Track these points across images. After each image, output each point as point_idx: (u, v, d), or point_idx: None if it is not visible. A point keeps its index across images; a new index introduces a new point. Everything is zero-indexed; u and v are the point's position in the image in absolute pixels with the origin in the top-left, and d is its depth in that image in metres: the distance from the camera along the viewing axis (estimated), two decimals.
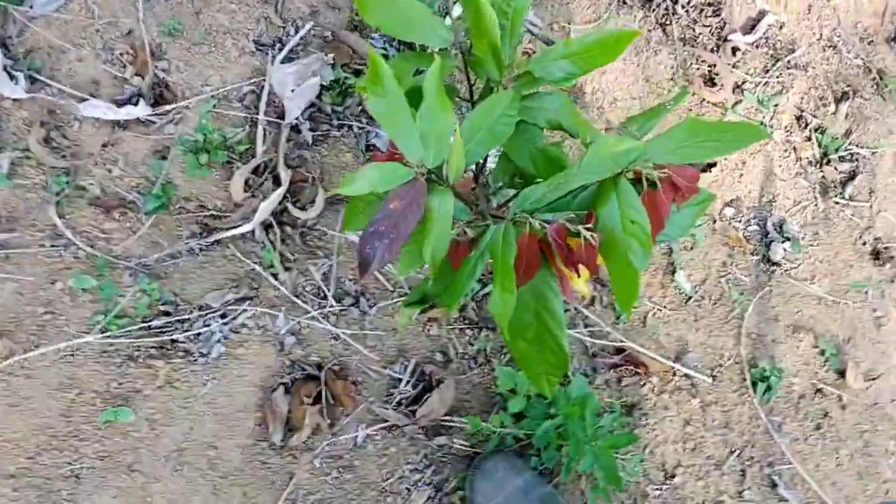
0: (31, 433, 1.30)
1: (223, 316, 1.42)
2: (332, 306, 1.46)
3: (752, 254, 1.70)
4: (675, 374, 1.56)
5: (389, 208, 0.94)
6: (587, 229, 0.91)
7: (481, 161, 1.53)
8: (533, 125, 1.14)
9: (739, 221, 1.73)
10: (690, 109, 1.76)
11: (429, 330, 1.49)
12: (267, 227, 1.48)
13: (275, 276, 1.46)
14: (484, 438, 1.42)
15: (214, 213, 1.47)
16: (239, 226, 1.46)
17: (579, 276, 0.98)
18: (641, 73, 1.74)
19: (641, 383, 1.54)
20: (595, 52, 1.03)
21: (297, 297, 1.45)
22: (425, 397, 1.42)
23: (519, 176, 1.26)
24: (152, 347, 1.37)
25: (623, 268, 0.92)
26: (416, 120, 0.92)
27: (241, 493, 1.34)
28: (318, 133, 1.55)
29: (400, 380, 1.44)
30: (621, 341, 1.56)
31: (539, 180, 1.02)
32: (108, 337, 1.36)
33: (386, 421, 1.41)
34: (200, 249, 1.45)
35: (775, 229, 1.74)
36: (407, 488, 1.38)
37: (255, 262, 1.46)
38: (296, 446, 1.37)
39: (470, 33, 1.03)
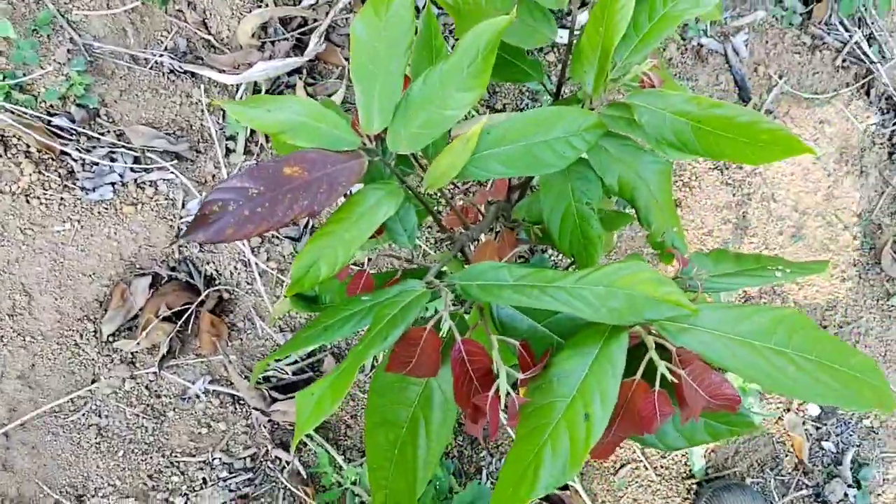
0: None
1: (137, 161, 1.10)
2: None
3: (803, 473, 1.29)
4: None
5: (280, 172, 0.59)
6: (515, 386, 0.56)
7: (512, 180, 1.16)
8: (595, 176, 0.77)
9: (818, 428, 1.31)
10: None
11: None
12: (254, 93, 1.14)
13: (229, 151, 1.13)
14: (328, 487, 1.09)
15: (212, 38, 1.14)
16: (223, 71, 1.12)
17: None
18: (814, 194, 1.32)
19: None
20: (728, 136, 0.66)
21: None
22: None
23: (541, 228, 0.90)
24: (35, 146, 1.07)
25: (518, 467, 0.56)
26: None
27: (28, 363, 1.05)
28: None
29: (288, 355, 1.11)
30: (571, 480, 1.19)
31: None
32: None
33: (236, 390, 1.09)
34: (170, 71, 1.13)
35: (852, 465, 1.31)
36: (204, 479, 1.07)
37: (218, 127, 1.13)
38: (121, 351, 1.07)
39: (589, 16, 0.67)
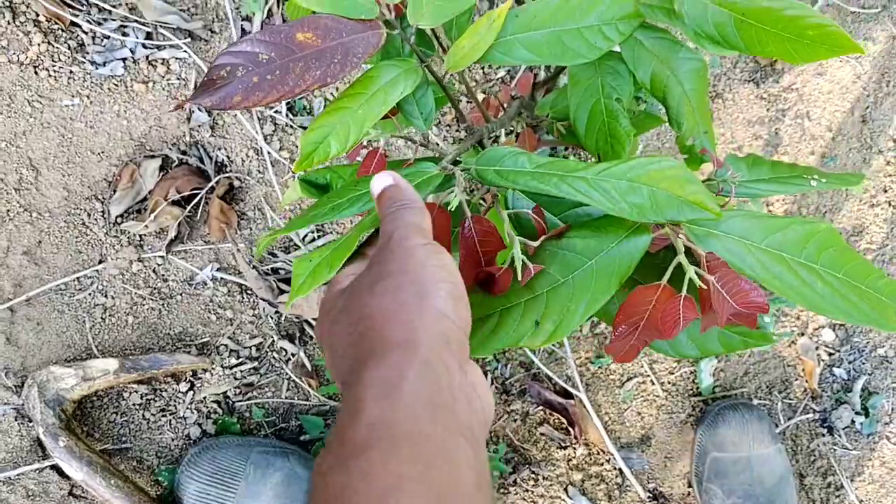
0: None
1: (149, 36, 1.05)
2: (290, 115, 1.08)
3: (811, 398, 1.27)
4: (608, 462, 1.20)
5: (292, 37, 0.55)
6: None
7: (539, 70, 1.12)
8: (627, 71, 0.73)
9: (830, 354, 1.29)
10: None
11: None
12: None
13: (244, 32, 1.08)
14: (330, 380, 1.09)
15: None
16: None
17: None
18: (850, 114, 1.26)
19: (562, 444, 1.19)
20: (773, 30, 0.62)
21: None
22: None
23: (566, 126, 0.85)
24: (42, 14, 1.02)
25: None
26: None
27: (35, 240, 1.03)
28: None
29: (297, 247, 1.09)
30: (574, 387, 1.18)
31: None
32: None
33: (243, 279, 1.07)
34: None
35: (862, 394, 1.30)
36: (216, 364, 1.06)
37: (234, 5, 1.08)
38: (128, 233, 1.05)
39: None
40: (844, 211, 1.30)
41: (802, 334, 1.29)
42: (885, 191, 1.30)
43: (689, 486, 1.25)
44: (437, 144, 1.14)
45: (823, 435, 1.28)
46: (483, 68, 1.15)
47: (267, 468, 0.97)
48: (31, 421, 0.98)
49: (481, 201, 0.62)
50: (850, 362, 1.30)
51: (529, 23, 0.64)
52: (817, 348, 1.30)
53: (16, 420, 0.98)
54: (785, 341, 1.29)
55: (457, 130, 1.13)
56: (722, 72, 1.24)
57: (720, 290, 0.53)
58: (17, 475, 0.97)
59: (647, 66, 0.70)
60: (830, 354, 1.30)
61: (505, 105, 0.91)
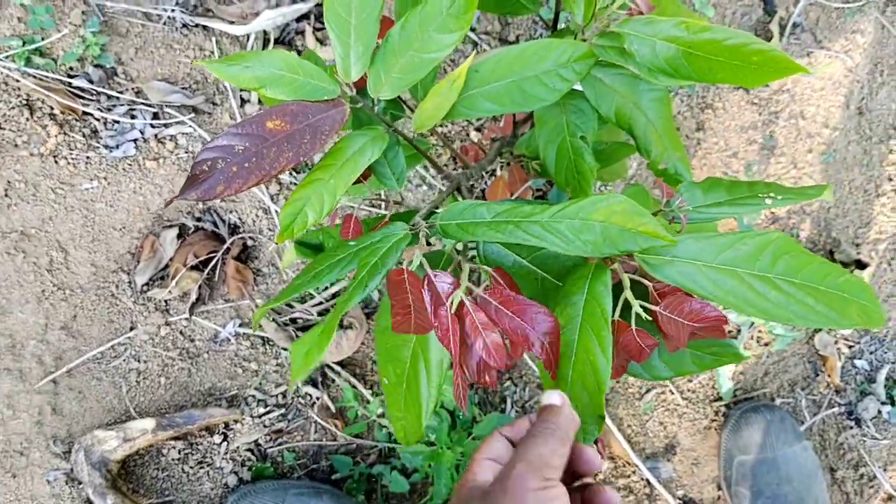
0: None
1: (156, 116, 1.13)
2: (293, 173, 1.15)
3: (835, 392, 1.29)
4: (634, 473, 1.23)
5: (263, 126, 0.61)
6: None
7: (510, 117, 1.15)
8: (590, 107, 0.77)
9: (850, 347, 1.31)
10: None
11: None
12: (265, 42, 1.16)
13: (244, 101, 1.15)
14: (353, 420, 1.14)
15: None
16: (233, 23, 1.14)
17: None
18: (846, 108, 1.28)
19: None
20: (720, 59, 0.65)
21: None
22: None
23: (538, 164, 0.90)
24: (58, 108, 1.11)
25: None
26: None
27: (70, 315, 1.11)
28: None
29: (312, 296, 1.15)
30: None
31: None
32: (14, 69, 1.09)
33: (264, 332, 1.13)
34: (183, 25, 1.15)
35: (886, 383, 1.31)
36: (245, 414, 1.13)
37: None
38: (154, 299, 1.12)
39: None
40: (849, 204, 1.31)
41: (819, 330, 1.30)
42: (891, 179, 1.31)
43: (719, 489, 1.27)
44: (421, 194, 1.19)
45: (851, 427, 1.29)
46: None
47: None
48: (80, 483, 1.05)
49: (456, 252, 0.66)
50: (871, 353, 1.31)
51: (489, 76, 0.68)
52: (836, 342, 1.31)
53: (66, 484, 1.06)
54: (803, 338, 1.30)
55: (443, 178, 1.18)
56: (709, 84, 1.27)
57: (670, 316, 0.57)
58: None
59: (610, 102, 0.74)
60: (850, 347, 1.31)
61: (486, 148, 0.96)
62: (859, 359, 1.31)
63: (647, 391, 1.25)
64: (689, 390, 1.27)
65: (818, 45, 1.29)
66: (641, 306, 0.57)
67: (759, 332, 1.27)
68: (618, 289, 0.60)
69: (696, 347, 0.69)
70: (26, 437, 1.07)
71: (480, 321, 0.57)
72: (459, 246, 0.68)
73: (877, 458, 1.29)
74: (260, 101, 1.14)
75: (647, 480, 1.23)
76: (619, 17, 0.69)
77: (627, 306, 0.57)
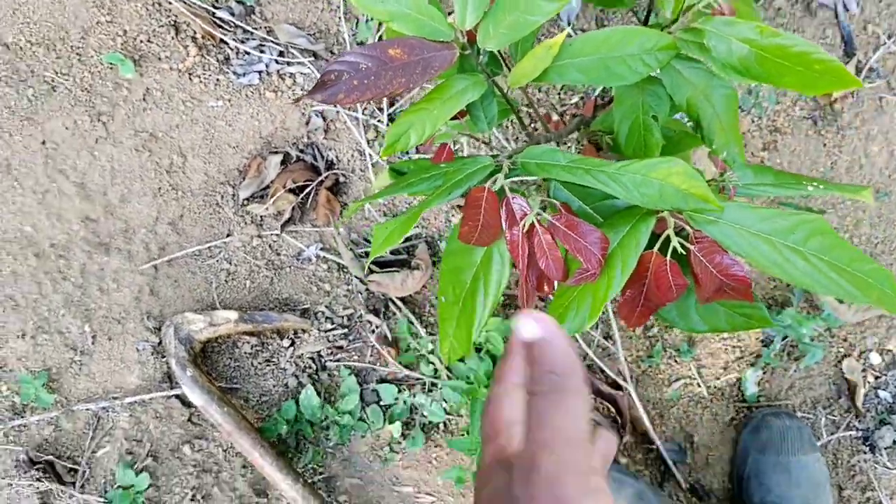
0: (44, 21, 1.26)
1: (281, 54, 1.28)
2: (389, 124, 1.28)
3: (855, 416, 1.36)
4: (651, 452, 1.33)
5: (386, 52, 0.74)
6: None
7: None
8: (665, 94, 0.87)
9: (876, 377, 1.37)
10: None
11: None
12: None
13: None
14: (406, 350, 1.27)
15: None
16: None
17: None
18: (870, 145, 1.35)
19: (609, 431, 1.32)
20: (786, 63, 0.74)
21: None
22: (395, 269, 1.27)
23: (612, 137, 1.00)
24: (199, 32, 1.27)
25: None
26: None
27: (178, 213, 1.27)
28: None
29: None
30: (624, 380, 1.31)
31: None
32: None
33: (341, 259, 1.27)
34: None
35: None
36: (314, 327, 1.26)
37: (351, 33, 1.29)
38: (252, 213, 1.27)
39: None
40: (893, 245, 1.37)
41: (848, 355, 1.37)
42: None
43: (730, 482, 1.35)
44: (506, 143, 1.31)
45: (865, 452, 1.36)
46: (559, 93, 1.31)
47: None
48: (164, 356, 1.21)
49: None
50: (895, 386, 1.37)
51: (580, 50, 0.79)
52: (864, 370, 1.38)
53: (152, 355, 1.22)
54: (832, 360, 1.37)
55: (523, 140, 1.29)
56: (782, 108, 1.36)
57: (702, 259, 0.67)
58: (150, 399, 1.20)
59: (684, 91, 0.84)
60: (877, 377, 1.37)
61: (567, 122, 1.07)
62: (884, 389, 1.37)
63: (677, 380, 1.34)
64: (715, 387, 1.35)
65: (891, 92, 1.36)
66: (679, 244, 0.67)
67: (791, 345, 1.35)
68: (655, 239, 0.71)
69: (729, 307, 0.79)
70: (125, 309, 1.24)
71: (546, 241, 0.68)
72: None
73: (885, 486, 1.35)
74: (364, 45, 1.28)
75: (664, 461, 1.32)
76: (702, 16, 0.79)
77: (666, 247, 0.68)
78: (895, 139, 1.36)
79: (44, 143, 1.24)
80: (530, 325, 0.44)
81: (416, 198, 1.29)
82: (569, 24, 1.36)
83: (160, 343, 1.22)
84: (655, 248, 0.68)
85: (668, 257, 0.67)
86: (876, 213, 1.37)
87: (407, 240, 1.29)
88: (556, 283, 0.70)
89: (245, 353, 1.25)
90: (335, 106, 1.27)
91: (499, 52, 0.86)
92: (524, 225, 0.66)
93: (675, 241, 0.67)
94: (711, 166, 0.97)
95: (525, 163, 0.74)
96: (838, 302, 1.36)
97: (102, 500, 1.19)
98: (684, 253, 0.67)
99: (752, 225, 0.69)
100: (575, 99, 1.31)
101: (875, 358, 1.39)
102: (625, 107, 0.89)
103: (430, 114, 0.77)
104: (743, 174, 0.81)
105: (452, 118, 0.84)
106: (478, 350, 1.22)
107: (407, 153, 1.26)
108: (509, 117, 0.95)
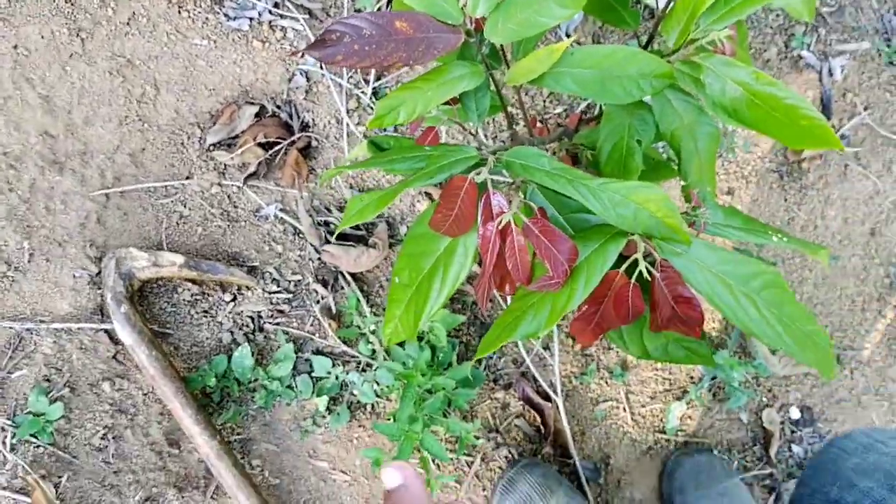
0: None
1: (276, 6, 1.25)
2: (373, 98, 1.27)
3: (766, 464, 1.39)
4: (567, 467, 1.34)
5: (392, 23, 0.73)
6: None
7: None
8: (653, 120, 0.88)
9: (792, 431, 1.42)
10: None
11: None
12: None
13: None
14: (348, 325, 1.26)
15: None
16: None
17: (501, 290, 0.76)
18: (862, 224, 1.39)
19: (532, 439, 1.33)
20: (774, 113, 0.75)
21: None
22: (351, 244, 1.25)
23: (592, 154, 1.01)
24: None
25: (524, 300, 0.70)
26: None
27: (140, 146, 1.23)
28: None
29: None
30: (555, 392, 1.32)
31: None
32: None
33: (299, 223, 1.25)
34: None
35: None
36: (259, 286, 1.24)
37: (359, 3, 1.27)
38: (216, 160, 1.24)
39: None
40: (835, 307, 1.42)
41: (770, 406, 1.42)
42: (878, 299, 1.42)
43: None
44: (484, 139, 1.31)
45: (769, 499, 1.41)
46: (544, 100, 1.32)
47: None
48: (100, 288, 1.17)
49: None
50: (809, 444, 1.42)
51: (581, 61, 0.79)
52: (782, 423, 1.42)
53: (88, 285, 1.18)
54: (754, 408, 1.41)
55: (500, 139, 1.29)
56: (752, 157, 1.39)
57: (664, 288, 0.68)
58: (78, 329, 1.16)
59: (671, 123, 0.86)
60: (793, 432, 1.42)
61: (550, 129, 1.07)
62: (797, 444, 1.42)
63: (605, 401, 1.37)
64: (640, 414, 1.38)
65: (857, 162, 1.40)
66: (646, 268, 0.68)
67: (719, 387, 1.39)
68: (621, 260, 0.71)
69: (675, 340, 0.80)
70: (69, 233, 1.19)
71: (518, 243, 0.68)
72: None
73: None
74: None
75: (578, 476, 1.34)
76: (704, 51, 0.80)
77: (632, 269, 0.69)
78: (852, 207, 1.40)
79: (16, 47, 1.19)
80: (393, 475, 0.52)
81: (387, 175, 1.28)
82: (567, 35, 1.37)
83: (98, 274, 1.18)
84: (621, 270, 0.69)
85: (633, 280, 0.68)
86: (821, 274, 1.41)
87: (370, 226, 1.27)
88: (517, 285, 0.70)
89: (184, 300, 1.22)
90: (322, 67, 1.25)
91: (501, 46, 0.85)
92: (500, 222, 0.66)
93: (642, 266, 0.68)
94: (680, 201, 0.99)
95: (510, 161, 0.73)
96: (771, 353, 1.40)
97: (10, 423, 1.15)
98: (648, 279, 0.68)
99: (715, 265, 0.71)
100: (559, 109, 1.32)
101: (795, 413, 1.43)
102: (611, 126, 0.90)
103: (424, 94, 0.76)
104: (714, 213, 0.83)
105: (444, 103, 0.83)
106: (419, 338, 1.22)
107: (384, 129, 1.25)
108: (497, 114, 0.95)
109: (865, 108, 1.38)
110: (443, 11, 0.74)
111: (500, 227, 0.66)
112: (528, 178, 0.72)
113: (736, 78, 0.76)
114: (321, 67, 1.25)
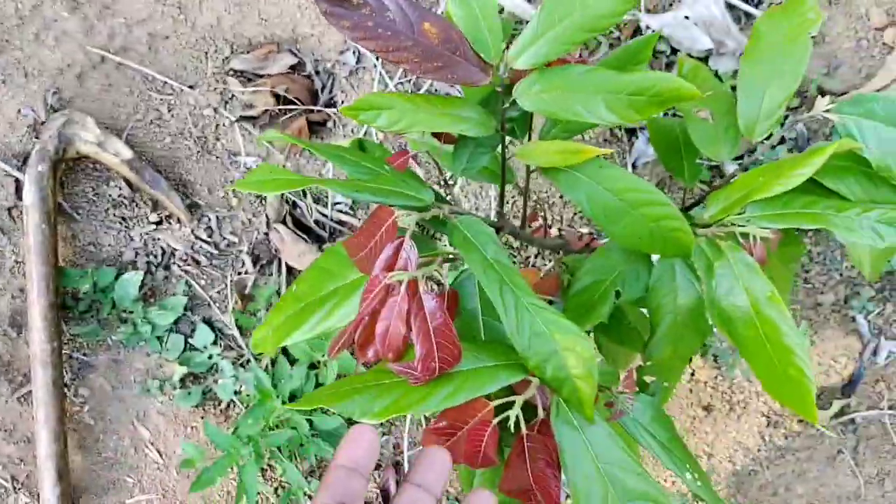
0: None
1: None
2: None
3: None
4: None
5: (421, 21, 0.62)
6: None
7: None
8: (647, 278, 0.78)
9: None
10: None
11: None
12: None
13: None
14: (240, 325, 1.13)
15: None
16: None
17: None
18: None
19: None
20: (765, 348, 0.65)
21: None
22: (306, 238, 1.13)
23: (569, 279, 0.89)
24: None
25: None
26: None
27: (166, 32, 1.13)
28: None
29: (325, 203, 1.16)
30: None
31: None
32: None
33: None
34: None
35: None
36: (189, 226, 1.13)
37: None
38: (227, 84, 1.14)
39: None
40: None
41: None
42: None
43: None
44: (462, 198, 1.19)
45: None
46: (575, 213, 1.20)
47: None
48: (38, 137, 1.06)
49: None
50: None
51: (605, 180, 0.66)
52: None
53: (27, 127, 1.07)
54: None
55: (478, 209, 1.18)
56: (750, 387, 1.24)
57: (527, 453, 0.55)
58: None
59: (663, 293, 0.75)
60: None
61: (549, 233, 0.96)
62: None
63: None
64: None
65: (853, 454, 1.26)
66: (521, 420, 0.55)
67: None
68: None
69: None
70: (42, 70, 1.09)
71: (401, 309, 0.56)
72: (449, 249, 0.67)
73: None
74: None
75: None
76: (733, 240, 0.68)
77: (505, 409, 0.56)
78: (822, 497, 1.24)
79: None
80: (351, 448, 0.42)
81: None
82: (634, 166, 1.26)
83: (43, 123, 1.07)
84: (493, 403, 0.56)
85: (495, 421, 0.55)
86: (732, 483, 1.26)
87: (340, 223, 1.16)
88: (379, 357, 0.57)
89: (109, 195, 1.10)
90: (377, 59, 1.16)
91: (531, 117, 0.74)
92: (392, 277, 0.54)
93: (516, 413, 0.55)
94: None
95: (454, 227, 0.62)
96: None
97: None
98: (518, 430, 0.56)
99: (605, 463, 0.58)
100: (585, 230, 1.20)
101: None
102: (602, 262, 0.79)
103: (416, 111, 0.65)
104: (644, 410, 0.69)
105: (436, 134, 0.73)
106: (312, 366, 1.09)
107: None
108: (487, 180, 0.84)
109: (891, 408, 1.24)
110: (480, 40, 0.64)
111: (387, 282, 0.54)
112: (462, 254, 0.59)
113: (751, 290, 0.65)
114: (377, 58, 1.15)
